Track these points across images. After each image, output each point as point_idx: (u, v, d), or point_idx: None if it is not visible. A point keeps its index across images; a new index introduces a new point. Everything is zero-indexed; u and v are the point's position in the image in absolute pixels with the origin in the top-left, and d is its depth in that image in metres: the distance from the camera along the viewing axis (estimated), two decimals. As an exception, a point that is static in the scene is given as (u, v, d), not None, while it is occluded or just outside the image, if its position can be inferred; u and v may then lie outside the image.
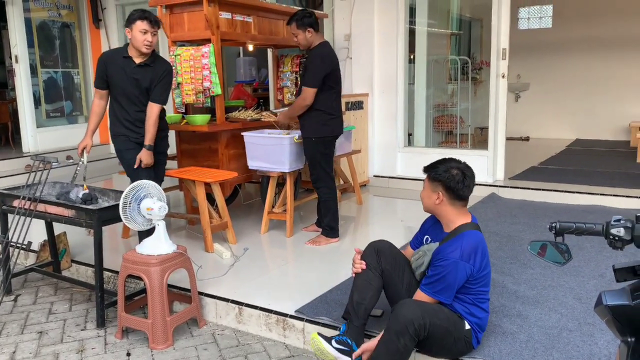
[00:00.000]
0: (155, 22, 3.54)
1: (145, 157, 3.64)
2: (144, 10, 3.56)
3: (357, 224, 4.85)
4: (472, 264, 2.27)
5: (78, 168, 3.63)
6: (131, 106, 3.66)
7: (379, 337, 2.29)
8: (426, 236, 2.58)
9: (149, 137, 3.64)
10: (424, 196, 2.47)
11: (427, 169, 2.47)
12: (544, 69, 9.42)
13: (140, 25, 3.50)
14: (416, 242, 2.65)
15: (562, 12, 9.25)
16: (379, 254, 2.56)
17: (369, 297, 2.49)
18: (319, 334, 2.48)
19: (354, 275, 2.59)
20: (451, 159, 2.46)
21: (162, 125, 3.85)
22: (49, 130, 7.91)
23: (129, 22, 3.55)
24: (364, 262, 2.55)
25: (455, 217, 2.41)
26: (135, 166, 3.65)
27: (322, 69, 3.88)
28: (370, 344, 2.33)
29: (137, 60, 3.59)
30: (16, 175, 6.57)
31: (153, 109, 3.65)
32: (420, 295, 2.35)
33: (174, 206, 5.25)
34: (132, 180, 3.39)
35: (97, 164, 6.99)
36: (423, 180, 2.51)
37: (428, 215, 2.61)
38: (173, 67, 4.41)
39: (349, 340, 2.42)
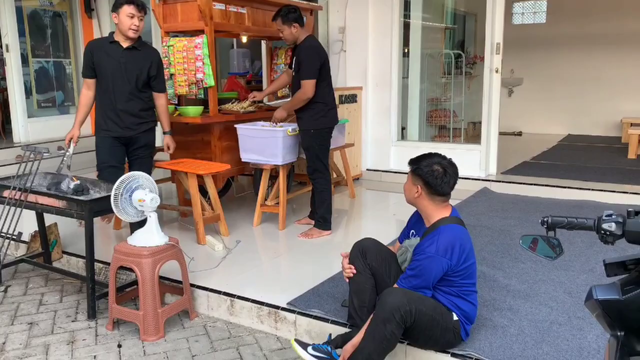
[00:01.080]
0: (142, 7, 3.54)
1: (170, 142, 3.96)
2: None
3: (349, 217, 4.85)
4: (448, 259, 2.28)
5: (64, 158, 3.61)
6: (119, 96, 3.64)
7: (360, 332, 2.29)
8: (412, 230, 2.61)
9: (167, 124, 3.96)
10: (406, 188, 2.51)
11: (411, 162, 2.48)
12: (538, 64, 9.44)
13: (127, 9, 3.49)
14: (403, 237, 2.67)
15: (556, 7, 9.26)
16: (363, 253, 2.59)
17: (368, 299, 2.55)
18: (296, 340, 2.51)
19: (347, 280, 2.63)
20: (436, 154, 2.46)
21: (149, 116, 3.83)
22: (40, 121, 7.83)
23: (116, 7, 3.55)
24: (352, 267, 2.58)
25: (433, 212, 2.42)
26: (165, 152, 4.00)
27: (317, 60, 3.91)
28: (352, 341, 2.32)
29: (125, 45, 3.58)
30: (6, 166, 6.50)
31: (162, 100, 3.86)
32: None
33: (166, 198, 5.22)
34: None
35: (88, 155, 6.93)
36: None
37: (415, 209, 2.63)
38: (165, 58, 4.40)
39: (328, 348, 2.42)
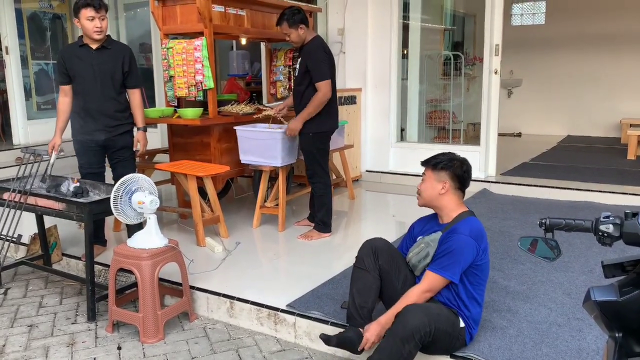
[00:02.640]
0: (99, 6, 3.48)
1: (142, 138, 3.82)
2: None
3: (349, 218, 4.86)
4: (478, 244, 2.32)
5: (47, 166, 3.59)
6: (94, 98, 3.61)
7: (378, 326, 2.31)
8: (420, 236, 2.55)
9: (140, 120, 3.81)
10: (427, 187, 2.47)
11: (428, 161, 2.49)
12: (537, 65, 9.45)
13: (86, 12, 3.47)
14: (407, 245, 2.61)
15: (555, 8, 9.28)
16: (375, 252, 2.52)
17: (371, 300, 2.49)
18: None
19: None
20: (450, 152, 2.52)
21: (125, 118, 3.78)
22: (40, 123, 7.83)
23: (75, 12, 3.53)
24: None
25: (456, 207, 2.45)
26: (135, 149, 3.83)
27: (327, 60, 3.89)
28: (371, 333, 2.33)
29: (94, 46, 3.58)
30: (6, 168, 6.51)
31: (135, 95, 3.79)
32: (426, 276, 2.35)
33: (166, 200, 5.23)
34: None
35: (74, 159, 6.96)
36: (421, 174, 2.53)
37: (415, 219, 2.62)
38: (165, 60, 4.41)
39: None
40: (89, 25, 3.49)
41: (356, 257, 2.57)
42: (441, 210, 2.48)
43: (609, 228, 1.40)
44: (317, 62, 3.85)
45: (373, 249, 2.53)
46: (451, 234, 2.36)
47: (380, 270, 2.50)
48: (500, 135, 5.91)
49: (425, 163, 2.51)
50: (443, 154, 2.51)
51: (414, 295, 2.35)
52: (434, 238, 2.43)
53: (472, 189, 5.45)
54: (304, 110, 3.92)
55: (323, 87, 3.85)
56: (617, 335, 1.38)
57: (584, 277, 3.25)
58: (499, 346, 2.47)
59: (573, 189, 5.22)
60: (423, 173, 2.52)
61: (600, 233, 1.41)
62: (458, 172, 2.43)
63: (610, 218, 1.40)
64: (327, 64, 3.89)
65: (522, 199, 5.22)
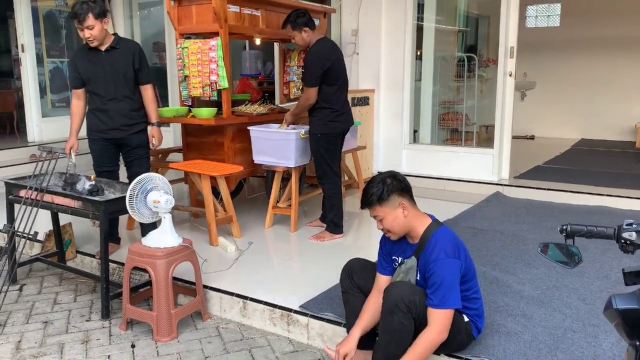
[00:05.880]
0: (83, 19, 3.44)
1: (157, 133, 3.83)
2: (73, 6, 3.51)
3: (361, 220, 4.85)
4: (458, 258, 2.24)
5: (68, 167, 3.64)
6: (109, 99, 3.65)
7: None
8: (393, 257, 2.47)
9: (154, 115, 3.82)
10: (392, 221, 2.32)
11: (369, 202, 2.34)
12: (551, 67, 9.38)
13: (74, 24, 3.53)
14: (384, 267, 2.50)
15: (570, 11, 9.20)
16: (349, 273, 2.57)
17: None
18: None
19: None
20: (373, 177, 2.42)
21: (140, 117, 3.81)
22: (54, 120, 7.90)
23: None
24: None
25: (418, 223, 2.34)
26: (151, 144, 3.84)
27: (318, 67, 3.87)
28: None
29: (103, 48, 3.61)
30: (21, 165, 6.59)
31: (148, 90, 3.79)
32: (432, 315, 2.20)
33: (178, 199, 5.21)
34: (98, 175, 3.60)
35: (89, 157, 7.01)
36: (371, 216, 2.39)
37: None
38: (180, 60, 4.43)
39: None
40: (81, 35, 3.53)
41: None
42: (411, 232, 2.36)
43: (632, 235, 1.38)
44: (307, 68, 3.92)
45: (347, 271, 2.60)
46: (429, 263, 2.23)
47: (358, 288, 2.55)
48: (513, 137, 5.87)
49: (366, 204, 2.36)
50: (370, 186, 2.35)
51: (426, 341, 2.19)
52: (410, 266, 2.37)
53: (485, 191, 5.45)
54: (293, 108, 4.15)
55: (306, 92, 3.93)
56: (637, 343, 1.36)
57: (599, 282, 3.22)
58: (514, 351, 2.46)
59: (587, 193, 5.17)
60: (374, 215, 2.36)
61: (622, 240, 1.40)
62: (400, 185, 2.34)
63: (634, 225, 1.39)
64: (318, 71, 3.86)
65: (535, 202, 5.18)
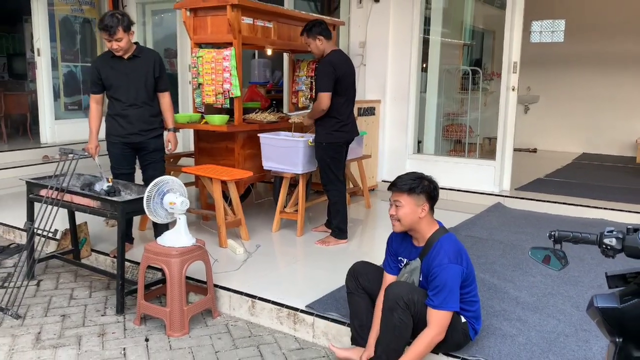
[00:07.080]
0: (114, 32, 3.60)
1: (172, 138, 4.02)
2: (102, 19, 3.66)
3: (364, 226, 4.99)
4: (460, 264, 2.38)
5: (98, 166, 3.80)
6: (130, 105, 3.81)
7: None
8: (400, 258, 2.60)
9: (171, 121, 4.02)
10: (407, 213, 2.43)
11: (400, 186, 2.45)
12: (554, 82, 9.53)
13: (103, 34, 3.69)
14: (391, 267, 2.64)
15: (574, 27, 9.36)
16: (355, 275, 2.72)
17: (365, 317, 2.66)
18: None
19: None
20: (413, 172, 2.54)
21: (158, 122, 3.98)
22: (67, 123, 8.10)
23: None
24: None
25: (428, 228, 2.48)
26: (168, 150, 4.04)
27: (332, 74, 4.02)
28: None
29: (126, 56, 3.77)
30: (33, 165, 6.76)
31: (165, 97, 3.99)
32: (432, 315, 2.35)
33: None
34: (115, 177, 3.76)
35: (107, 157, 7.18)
36: (391, 200, 2.49)
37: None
38: (195, 68, 4.60)
39: None
40: (108, 44, 3.69)
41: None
42: (417, 233, 2.49)
43: (612, 241, 1.53)
44: (320, 75, 4.07)
45: (352, 273, 2.74)
46: (433, 267, 2.36)
47: (364, 289, 2.69)
48: (516, 150, 6.00)
49: (397, 188, 2.45)
50: (408, 175, 2.48)
51: (426, 340, 2.34)
52: (415, 267, 2.50)
53: (487, 202, 5.59)
54: (309, 112, 4.32)
55: (319, 97, 4.06)
56: (617, 340, 1.51)
57: (592, 291, 3.35)
58: (508, 352, 2.59)
59: (586, 206, 5.30)
60: (395, 200, 2.46)
61: (604, 245, 1.55)
62: (433, 192, 2.46)
63: (614, 232, 1.54)
64: (331, 78, 4.01)
65: (535, 214, 5.32)
